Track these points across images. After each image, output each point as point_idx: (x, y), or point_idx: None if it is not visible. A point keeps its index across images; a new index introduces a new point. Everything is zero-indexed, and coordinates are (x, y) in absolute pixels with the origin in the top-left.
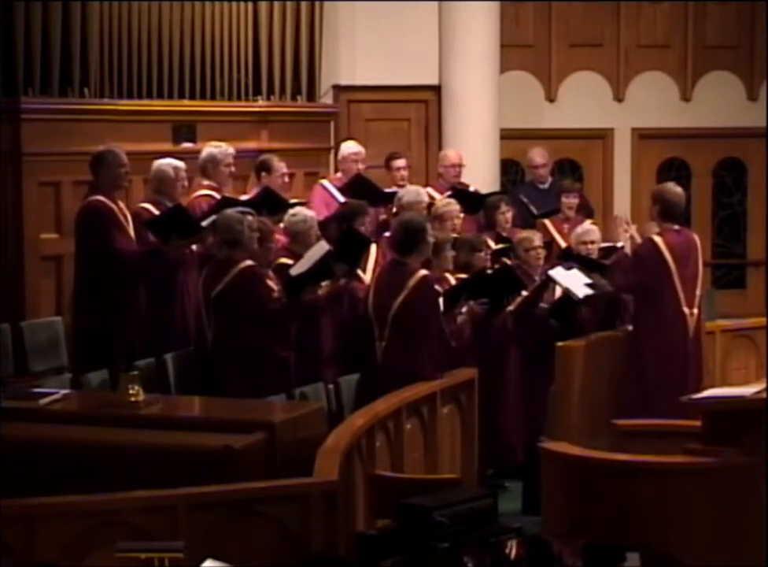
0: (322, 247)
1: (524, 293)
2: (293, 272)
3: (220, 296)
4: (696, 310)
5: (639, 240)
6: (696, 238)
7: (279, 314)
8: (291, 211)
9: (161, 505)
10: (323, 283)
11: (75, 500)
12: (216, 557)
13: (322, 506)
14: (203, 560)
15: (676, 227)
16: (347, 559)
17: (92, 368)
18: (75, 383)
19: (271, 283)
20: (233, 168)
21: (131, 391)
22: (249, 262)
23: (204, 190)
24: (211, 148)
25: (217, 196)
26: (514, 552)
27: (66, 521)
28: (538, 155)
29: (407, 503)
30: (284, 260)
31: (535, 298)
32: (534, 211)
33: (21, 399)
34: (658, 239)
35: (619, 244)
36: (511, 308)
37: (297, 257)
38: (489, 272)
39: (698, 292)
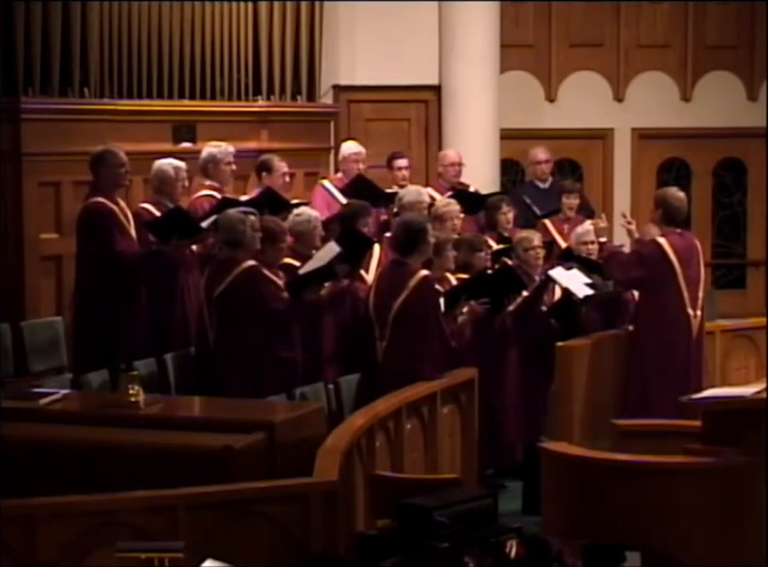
0: (332, 248)
1: (525, 293)
2: (302, 272)
3: (222, 296)
4: (699, 312)
5: (636, 236)
6: (698, 242)
7: (282, 314)
8: (296, 211)
9: (161, 505)
10: (326, 284)
11: (75, 500)
12: (216, 557)
13: (322, 506)
14: (203, 560)
15: (678, 230)
16: (347, 559)
17: (92, 368)
18: (75, 383)
19: (280, 282)
20: (234, 167)
21: (131, 391)
22: (251, 262)
23: (206, 191)
24: (211, 148)
25: (218, 196)
26: (514, 552)
27: (66, 521)
28: (541, 151)
29: (407, 503)
30: (288, 260)
31: (535, 298)
32: (537, 212)
33: (21, 399)
34: (662, 241)
35: (602, 239)
36: (511, 308)
37: (300, 257)
38: (490, 271)
39: (701, 294)
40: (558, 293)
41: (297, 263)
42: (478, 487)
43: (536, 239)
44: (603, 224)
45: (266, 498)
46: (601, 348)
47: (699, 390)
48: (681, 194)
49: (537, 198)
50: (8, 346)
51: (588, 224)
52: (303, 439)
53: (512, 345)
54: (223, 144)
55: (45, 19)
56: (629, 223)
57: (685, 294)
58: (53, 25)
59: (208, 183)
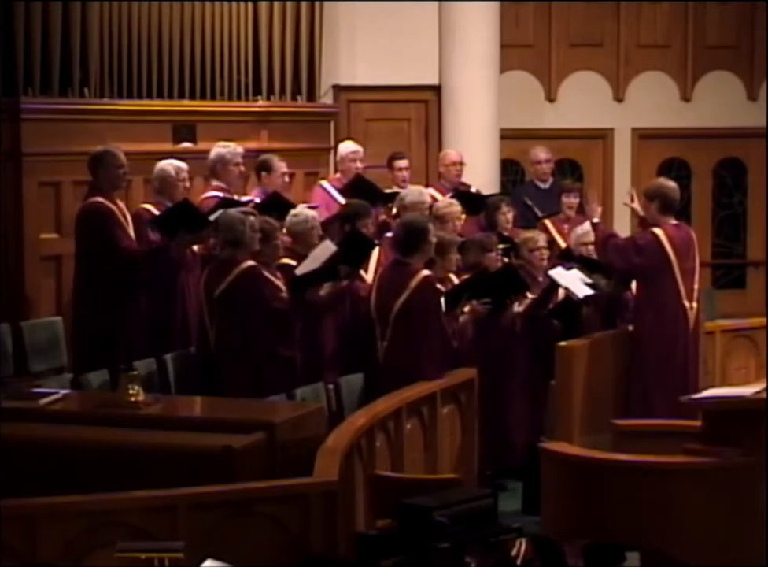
0: (328, 247)
1: (528, 294)
2: (299, 272)
3: (223, 296)
4: (695, 304)
5: (641, 213)
6: (693, 233)
7: (282, 314)
8: (293, 211)
9: (161, 505)
10: (326, 284)
11: (75, 500)
12: (215, 557)
13: (322, 506)
14: (203, 560)
15: (674, 221)
16: (347, 559)
17: (92, 368)
18: (75, 383)
19: (278, 282)
20: (242, 168)
21: (130, 391)
22: (250, 262)
23: (214, 192)
24: (219, 148)
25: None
26: (522, 552)
27: (66, 521)
28: (541, 151)
29: (407, 503)
30: (286, 260)
31: (543, 301)
32: (539, 213)
33: (21, 399)
34: (659, 232)
35: (595, 220)
36: (519, 310)
37: (299, 257)
38: (491, 271)
39: (696, 286)
40: (561, 293)
41: (294, 263)
42: (478, 487)
43: (541, 239)
44: (595, 204)
45: (266, 498)
46: (601, 348)
47: (698, 381)
48: (673, 183)
49: (538, 199)
50: (8, 346)
51: (588, 225)
52: (303, 439)
53: (515, 345)
54: (231, 144)
55: (45, 19)
56: (632, 200)
57: (681, 285)
58: (53, 25)
59: (215, 183)
